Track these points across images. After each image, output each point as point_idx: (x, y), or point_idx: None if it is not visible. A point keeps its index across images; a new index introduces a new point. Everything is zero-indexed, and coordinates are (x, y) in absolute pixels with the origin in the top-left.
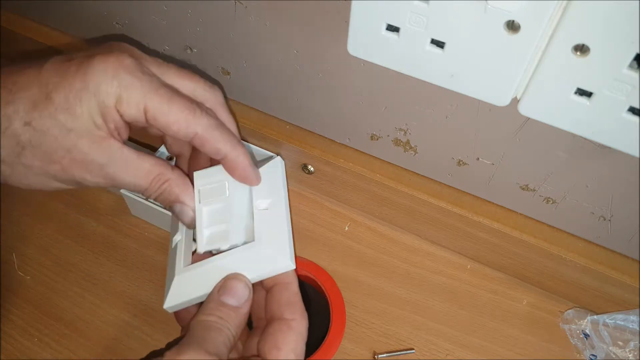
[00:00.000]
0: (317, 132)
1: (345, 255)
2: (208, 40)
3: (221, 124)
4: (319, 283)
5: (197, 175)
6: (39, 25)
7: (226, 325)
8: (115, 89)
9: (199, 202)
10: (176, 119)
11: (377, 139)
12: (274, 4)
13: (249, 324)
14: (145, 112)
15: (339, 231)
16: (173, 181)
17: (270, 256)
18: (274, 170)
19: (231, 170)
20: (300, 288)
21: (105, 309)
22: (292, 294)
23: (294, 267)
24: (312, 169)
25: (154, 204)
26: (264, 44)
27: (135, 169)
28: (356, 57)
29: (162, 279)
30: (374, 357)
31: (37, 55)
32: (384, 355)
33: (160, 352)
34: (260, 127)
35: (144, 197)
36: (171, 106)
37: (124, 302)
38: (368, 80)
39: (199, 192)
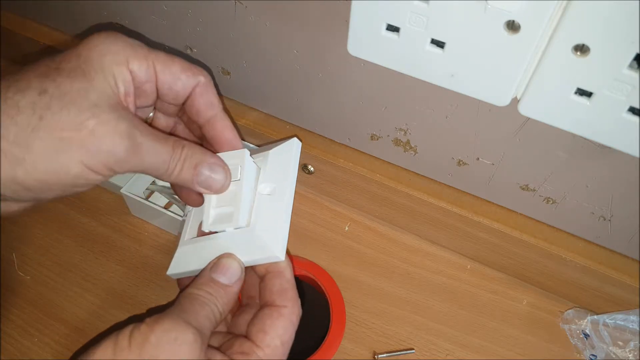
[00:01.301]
0: (317, 132)
1: (345, 255)
2: (208, 40)
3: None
4: (319, 283)
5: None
6: (39, 25)
7: (213, 301)
8: (121, 47)
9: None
10: (182, 71)
11: (377, 139)
12: (274, 4)
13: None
14: (154, 65)
15: (339, 231)
16: (189, 144)
17: (262, 244)
18: (288, 152)
19: (215, 129)
20: (300, 288)
21: (105, 309)
22: (285, 281)
23: (283, 259)
24: (312, 169)
25: (154, 204)
26: (264, 44)
27: (156, 134)
28: (356, 57)
29: (162, 279)
30: (374, 357)
31: (37, 55)
32: (384, 355)
33: (141, 318)
34: (260, 127)
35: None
36: (174, 60)
37: (124, 302)
38: (368, 81)
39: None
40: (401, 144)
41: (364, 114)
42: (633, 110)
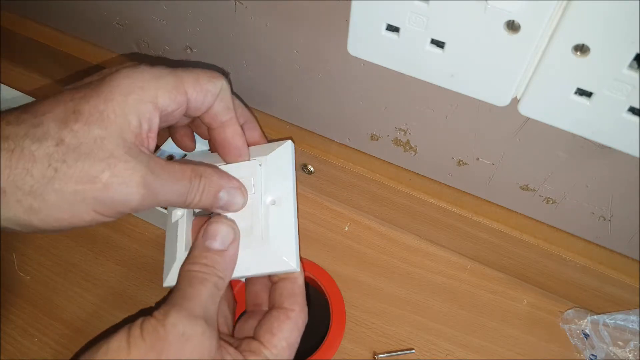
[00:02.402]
0: (317, 132)
1: (345, 255)
2: (208, 40)
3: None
4: (319, 283)
5: (224, 169)
6: (39, 25)
7: (212, 272)
8: (147, 83)
9: None
10: (209, 81)
11: (377, 139)
12: (274, 4)
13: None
14: (187, 92)
15: (339, 231)
16: (206, 171)
17: (276, 256)
18: (284, 157)
19: (231, 136)
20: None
21: (105, 309)
22: (296, 287)
23: (298, 270)
24: (312, 169)
25: None
26: (264, 44)
27: (173, 171)
28: (356, 57)
29: (162, 279)
30: (374, 357)
31: (38, 55)
32: (384, 355)
33: (150, 311)
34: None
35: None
36: (199, 75)
37: (124, 302)
38: (368, 80)
39: None
40: (401, 144)
41: (364, 114)
42: (633, 110)
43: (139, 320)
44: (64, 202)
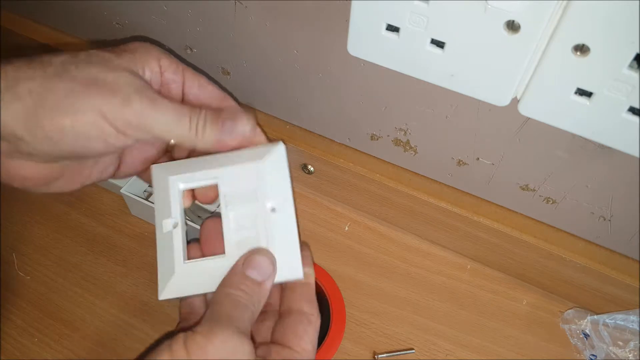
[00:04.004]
0: (317, 132)
1: (345, 255)
2: (208, 40)
3: None
4: (319, 283)
5: (221, 179)
6: (39, 25)
7: (251, 301)
8: (154, 48)
9: (226, 206)
10: (207, 81)
11: (377, 139)
12: (274, 4)
13: None
14: (184, 74)
15: (339, 231)
16: (207, 108)
17: (281, 265)
18: (278, 160)
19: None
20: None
21: (105, 309)
22: (312, 290)
23: (302, 278)
24: (312, 169)
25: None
26: (264, 44)
27: (172, 99)
28: (356, 57)
29: None
30: (374, 357)
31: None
32: (384, 355)
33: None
34: (260, 127)
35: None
36: (200, 75)
37: (124, 302)
38: (368, 80)
39: (224, 196)
40: (401, 144)
41: (364, 114)
42: (633, 110)
43: (180, 337)
44: (69, 95)
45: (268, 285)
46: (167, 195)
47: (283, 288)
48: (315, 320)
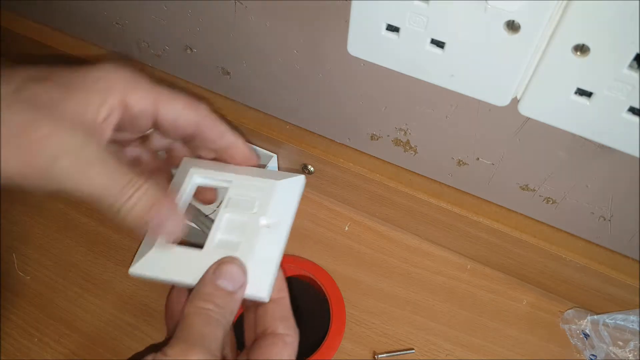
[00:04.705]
0: (317, 132)
1: (345, 255)
2: (208, 40)
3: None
4: (319, 283)
5: (234, 184)
6: (39, 25)
7: (223, 314)
8: (123, 80)
9: (225, 207)
10: (185, 107)
11: (377, 139)
12: (274, 4)
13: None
14: (157, 102)
15: (339, 231)
16: (152, 186)
17: (250, 280)
18: (293, 188)
19: (232, 154)
20: (301, 288)
21: (105, 309)
22: (286, 309)
23: (267, 301)
24: (312, 169)
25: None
26: (264, 44)
27: (110, 166)
28: (356, 57)
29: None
30: (374, 357)
31: (37, 56)
32: (384, 355)
33: (158, 347)
34: (260, 127)
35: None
36: (178, 97)
37: (124, 302)
38: (368, 80)
39: (229, 198)
40: (401, 144)
41: (364, 114)
42: (633, 110)
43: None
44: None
45: (239, 296)
46: (181, 184)
47: (257, 308)
48: (292, 341)
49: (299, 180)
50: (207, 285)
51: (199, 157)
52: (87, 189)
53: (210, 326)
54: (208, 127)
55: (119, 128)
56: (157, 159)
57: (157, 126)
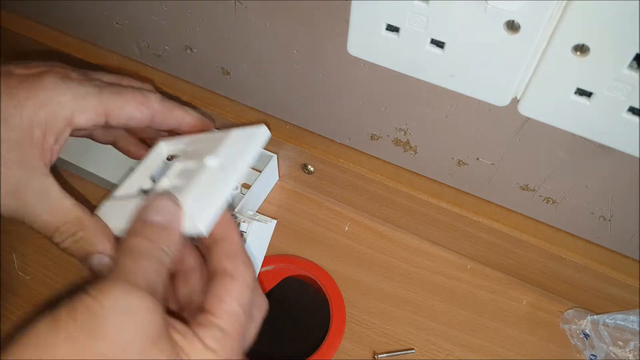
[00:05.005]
0: (317, 132)
1: (345, 255)
2: (208, 40)
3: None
4: (319, 283)
5: (196, 140)
6: (39, 25)
7: (155, 247)
8: (70, 99)
9: (179, 159)
10: (136, 108)
11: (377, 139)
12: (274, 4)
13: None
14: (107, 115)
15: (339, 231)
16: (92, 230)
17: (189, 215)
18: (252, 135)
19: (190, 129)
20: (301, 288)
21: None
22: (233, 245)
23: (206, 235)
24: (312, 169)
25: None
26: (264, 44)
27: (54, 202)
28: (356, 57)
29: None
30: (374, 357)
31: (37, 55)
32: (384, 355)
33: (82, 287)
34: None
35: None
36: (125, 98)
37: None
38: (368, 80)
39: (184, 151)
40: (401, 144)
41: (364, 114)
42: (633, 110)
43: (67, 300)
44: None
45: (175, 229)
46: (150, 152)
47: (207, 249)
48: (242, 275)
49: (260, 128)
50: (136, 221)
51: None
52: (28, 221)
53: (138, 260)
54: (163, 118)
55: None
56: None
57: (108, 128)
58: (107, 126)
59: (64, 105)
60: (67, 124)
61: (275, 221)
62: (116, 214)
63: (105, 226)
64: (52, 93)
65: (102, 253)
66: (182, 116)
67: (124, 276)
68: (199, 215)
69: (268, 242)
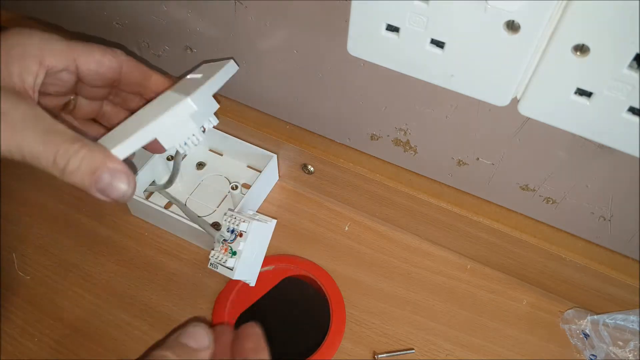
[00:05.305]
0: (317, 132)
1: (345, 255)
2: (208, 40)
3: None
4: (319, 283)
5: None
6: (39, 25)
7: None
8: (37, 41)
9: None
10: (103, 55)
11: (377, 139)
12: (274, 4)
13: None
14: (76, 59)
15: (339, 231)
16: (92, 144)
17: (177, 98)
18: (221, 66)
19: (156, 89)
20: (301, 288)
21: (105, 309)
22: (258, 338)
23: (195, 109)
24: (312, 169)
25: (154, 204)
26: (264, 44)
27: (48, 125)
28: (356, 57)
29: (162, 278)
30: (374, 357)
31: None
32: (384, 355)
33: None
34: (260, 127)
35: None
36: (93, 48)
37: (124, 302)
38: (368, 80)
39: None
40: (401, 144)
41: (364, 114)
42: (633, 110)
43: None
44: None
45: (205, 356)
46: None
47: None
48: None
49: (230, 66)
50: (172, 339)
51: (128, 110)
52: (23, 150)
53: None
54: (131, 68)
55: (44, 90)
56: (87, 126)
57: (81, 80)
58: (78, 74)
59: (32, 46)
60: (39, 63)
61: (275, 221)
62: (114, 140)
63: (106, 149)
64: (20, 37)
65: (111, 168)
66: (148, 71)
67: None
68: (186, 95)
69: (268, 242)
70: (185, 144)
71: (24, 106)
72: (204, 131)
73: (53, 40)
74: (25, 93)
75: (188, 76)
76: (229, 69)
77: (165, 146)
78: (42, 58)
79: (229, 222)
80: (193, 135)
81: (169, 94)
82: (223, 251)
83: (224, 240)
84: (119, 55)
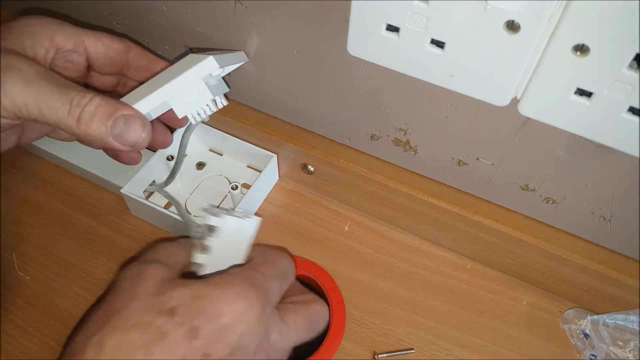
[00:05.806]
0: (317, 132)
1: (345, 255)
2: (208, 40)
3: None
4: (319, 283)
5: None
6: None
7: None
8: (48, 22)
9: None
10: (111, 39)
11: (377, 139)
12: (274, 4)
13: None
14: (85, 41)
15: (339, 231)
16: (104, 97)
17: (199, 58)
18: (233, 53)
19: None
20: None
21: None
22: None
23: (217, 66)
24: (312, 169)
25: (154, 204)
26: (264, 44)
27: (60, 81)
28: (356, 57)
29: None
30: (374, 357)
31: None
32: (384, 355)
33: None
34: (260, 127)
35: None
36: (101, 33)
37: None
38: (368, 80)
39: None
40: (401, 144)
41: (364, 114)
42: (633, 110)
43: None
44: None
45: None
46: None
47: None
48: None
49: (240, 56)
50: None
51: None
52: (38, 101)
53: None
54: (138, 54)
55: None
56: None
57: (91, 64)
58: (88, 57)
59: (44, 26)
60: (50, 39)
61: (259, 219)
62: (132, 99)
63: (115, 100)
64: (32, 19)
65: (127, 114)
66: (154, 58)
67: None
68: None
69: (250, 240)
70: (198, 113)
71: (38, 66)
72: (216, 106)
73: (63, 24)
74: (38, 62)
75: (195, 54)
76: (240, 56)
77: (179, 114)
78: (52, 36)
79: (203, 217)
80: (207, 105)
81: (186, 59)
82: (198, 248)
83: (201, 236)
84: (126, 41)
